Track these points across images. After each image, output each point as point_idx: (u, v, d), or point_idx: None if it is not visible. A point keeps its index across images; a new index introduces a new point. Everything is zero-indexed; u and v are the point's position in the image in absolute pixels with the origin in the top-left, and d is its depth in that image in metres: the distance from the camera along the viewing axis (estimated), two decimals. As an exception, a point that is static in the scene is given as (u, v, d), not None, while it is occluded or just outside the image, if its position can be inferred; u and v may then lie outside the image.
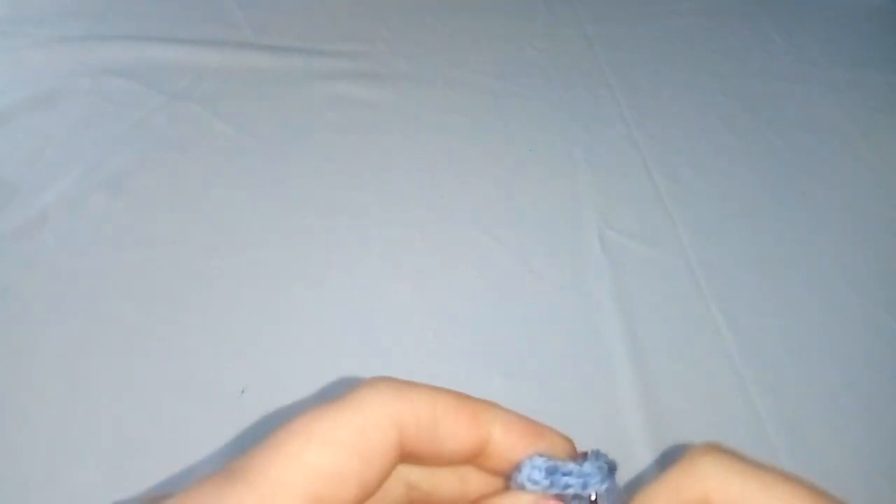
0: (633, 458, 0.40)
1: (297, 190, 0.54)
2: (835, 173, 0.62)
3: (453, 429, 0.16)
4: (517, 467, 0.18)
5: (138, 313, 0.44)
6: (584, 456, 0.18)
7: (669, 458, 0.40)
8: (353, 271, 0.49)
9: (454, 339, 0.45)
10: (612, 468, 0.18)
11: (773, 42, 0.78)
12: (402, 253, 0.51)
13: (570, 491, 0.17)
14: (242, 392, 0.40)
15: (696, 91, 0.70)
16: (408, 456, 0.16)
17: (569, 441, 0.19)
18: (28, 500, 0.35)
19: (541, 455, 0.17)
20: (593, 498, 0.17)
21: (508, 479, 0.18)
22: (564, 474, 0.17)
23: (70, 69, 0.62)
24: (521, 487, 0.17)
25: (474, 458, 0.17)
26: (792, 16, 0.82)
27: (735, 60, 0.75)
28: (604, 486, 0.17)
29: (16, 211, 0.49)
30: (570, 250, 0.52)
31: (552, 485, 0.17)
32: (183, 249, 0.48)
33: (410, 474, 0.18)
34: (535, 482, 0.17)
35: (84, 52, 0.64)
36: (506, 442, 0.17)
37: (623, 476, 0.18)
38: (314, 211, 0.53)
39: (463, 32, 0.75)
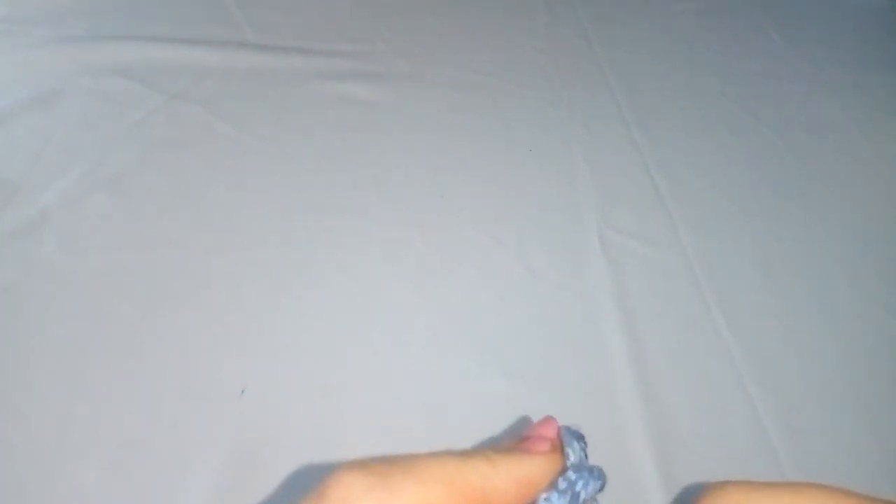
0: (633, 458, 0.40)
1: (297, 190, 0.54)
2: (835, 173, 0.62)
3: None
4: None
5: (138, 313, 0.44)
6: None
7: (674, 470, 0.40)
8: (353, 271, 0.49)
9: (454, 339, 0.45)
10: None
11: (773, 42, 0.78)
12: (402, 253, 0.51)
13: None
14: (242, 392, 0.40)
15: (696, 91, 0.70)
16: None
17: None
18: (28, 500, 0.35)
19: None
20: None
21: None
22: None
23: (70, 69, 0.62)
24: None
25: None
26: (792, 16, 0.82)
27: (735, 60, 0.75)
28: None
29: (16, 211, 0.49)
30: (570, 250, 0.52)
31: None
32: (183, 249, 0.48)
33: None
34: None
35: (84, 52, 0.64)
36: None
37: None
38: (314, 211, 0.53)
39: (463, 32, 0.75)
